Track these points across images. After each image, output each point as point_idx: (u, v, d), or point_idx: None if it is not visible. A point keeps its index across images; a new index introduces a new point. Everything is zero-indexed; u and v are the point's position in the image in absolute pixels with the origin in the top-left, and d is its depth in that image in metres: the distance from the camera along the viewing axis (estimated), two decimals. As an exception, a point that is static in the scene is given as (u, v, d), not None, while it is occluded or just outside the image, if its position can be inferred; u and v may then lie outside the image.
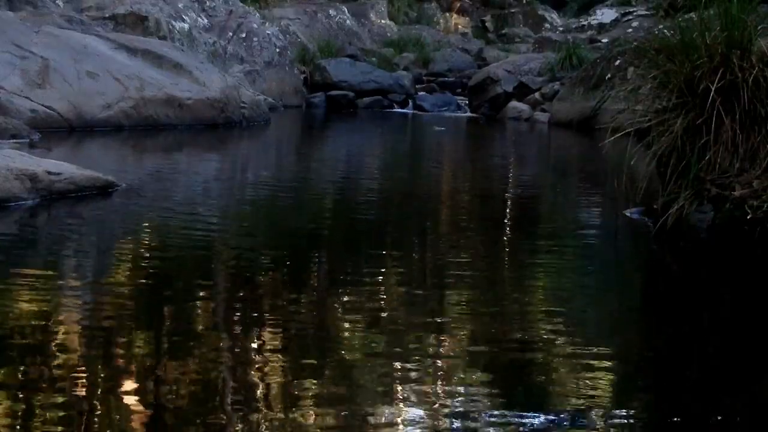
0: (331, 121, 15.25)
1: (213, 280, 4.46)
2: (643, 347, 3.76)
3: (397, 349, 3.42)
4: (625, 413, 2.91)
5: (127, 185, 6.57)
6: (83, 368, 3.07)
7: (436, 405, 2.89)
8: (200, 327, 3.64)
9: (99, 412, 2.75)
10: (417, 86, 18.01)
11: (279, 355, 3.35)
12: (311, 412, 2.81)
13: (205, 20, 15.42)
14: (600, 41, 17.37)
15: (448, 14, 25.94)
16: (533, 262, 5.16)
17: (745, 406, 3.08)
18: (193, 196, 6.93)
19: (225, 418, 2.75)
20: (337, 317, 3.87)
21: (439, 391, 3.01)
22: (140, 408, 2.78)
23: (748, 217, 5.17)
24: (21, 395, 2.83)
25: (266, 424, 2.72)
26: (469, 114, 16.56)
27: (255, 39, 15.54)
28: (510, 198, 7.81)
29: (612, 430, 2.78)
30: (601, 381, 3.21)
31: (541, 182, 9.08)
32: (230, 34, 15.39)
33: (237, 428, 2.68)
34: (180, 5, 14.86)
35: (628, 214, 6.16)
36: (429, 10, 25.67)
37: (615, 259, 5.49)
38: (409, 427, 2.73)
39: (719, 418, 2.96)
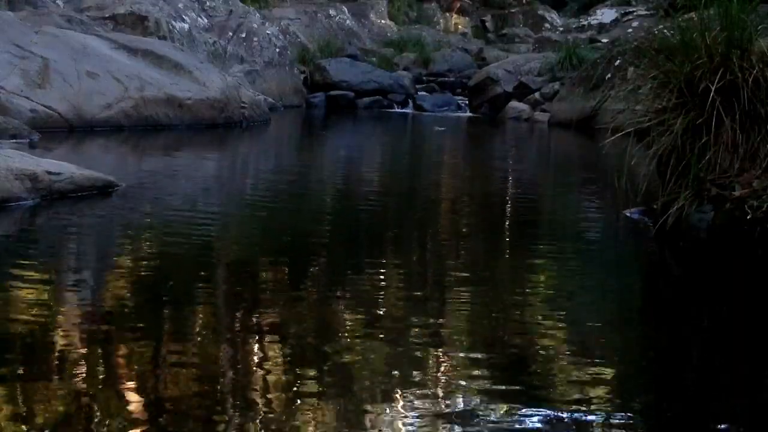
0: (331, 121, 15.25)
1: (213, 281, 4.46)
2: (644, 347, 3.77)
3: (397, 350, 3.42)
4: (624, 412, 2.91)
5: (127, 185, 6.57)
6: (81, 368, 3.07)
7: (437, 405, 2.89)
8: (199, 327, 3.64)
9: (97, 411, 2.75)
10: (417, 86, 18.02)
11: (278, 355, 3.35)
12: (310, 412, 2.81)
13: (205, 20, 15.42)
14: (600, 41, 17.38)
15: (448, 14, 25.95)
16: (533, 262, 5.16)
17: (745, 406, 3.08)
18: (193, 196, 6.93)
19: (224, 417, 2.75)
20: (337, 319, 3.87)
21: (439, 391, 3.01)
22: (138, 407, 2.79)
23: (748, 217, 5.16)
24: (20, 394, 2.83)
25: (266, 423, 2.72)
26: (469, 114, 16.56)
27: (255, 39, 15.54)
28: (510, 198, 7.81)
29: (612, 429, 2.78)
30: (601, 380, 3.20)
31: (541, 182, 9.08)
32: (230, 34, 15.39)
33: (236, 427, 2.69)
34: (180, 5, 14.86)
35: (628, 214, 6.16)
36: (429, 10, 25.67)
37: (615, 259, 5.48)
38: (409, 427, 2.73)
39: (719, 417, 2.96)
